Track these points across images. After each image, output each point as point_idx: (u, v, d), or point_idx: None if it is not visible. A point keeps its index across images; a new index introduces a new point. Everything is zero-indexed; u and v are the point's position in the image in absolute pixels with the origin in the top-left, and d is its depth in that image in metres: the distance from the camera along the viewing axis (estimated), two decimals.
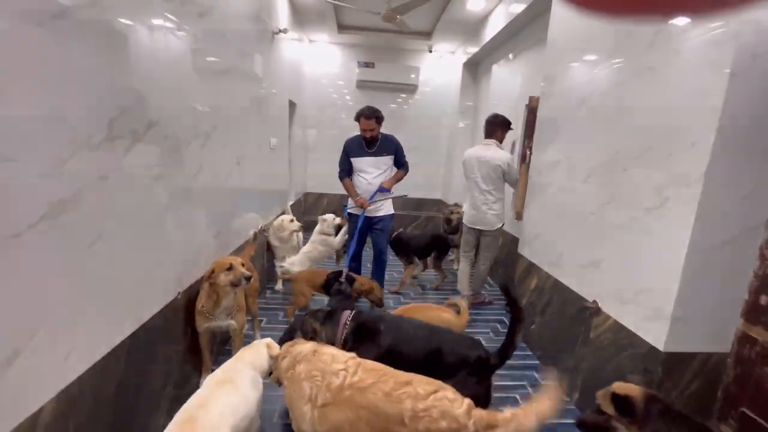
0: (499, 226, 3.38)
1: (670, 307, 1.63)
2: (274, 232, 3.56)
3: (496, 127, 3.33)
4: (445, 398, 1.29)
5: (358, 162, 3.31)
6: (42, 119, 1.04)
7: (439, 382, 1.38)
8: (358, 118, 3.19)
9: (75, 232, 1.17)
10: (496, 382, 2.42)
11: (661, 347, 1.67)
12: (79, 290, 1.20)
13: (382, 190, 3.31)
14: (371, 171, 3.29)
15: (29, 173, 1.01)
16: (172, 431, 1.25)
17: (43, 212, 1.04)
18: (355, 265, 3.48)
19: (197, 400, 1.37)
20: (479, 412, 1.27)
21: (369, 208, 3.31)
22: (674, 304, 1.62)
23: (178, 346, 1.92)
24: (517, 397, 2.31)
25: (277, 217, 3.69)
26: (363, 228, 3.34)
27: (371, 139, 3.23)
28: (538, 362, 2.69)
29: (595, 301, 2.11)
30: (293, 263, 3.36)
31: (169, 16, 1.67)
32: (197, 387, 2.09)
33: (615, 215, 2.00)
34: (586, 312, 2.15)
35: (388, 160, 3.33)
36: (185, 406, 1.35)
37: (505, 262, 3.92)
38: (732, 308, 1.63)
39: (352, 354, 1.55)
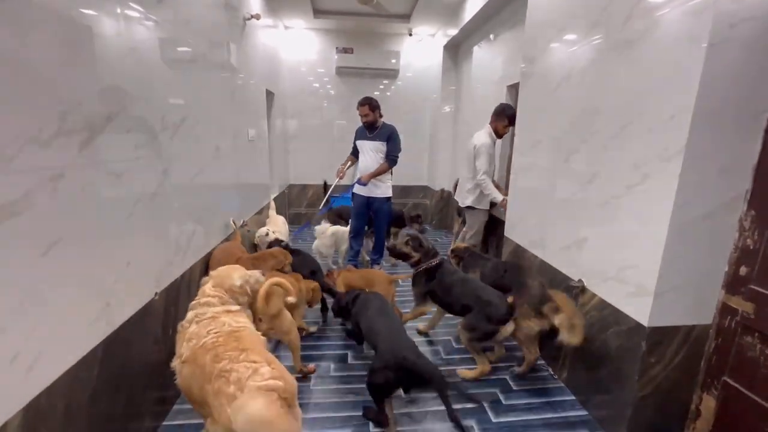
0: (470, 203, 3.60)
1: (653, 283, 1.64)
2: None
3: (494, 115, 3.48)
4: (253, 369, 1.25)
5: (360, 144, 3.88)
6: None
7: (271, 358, 1.35)
8: (357, 108, 3.73)
9: (28, 237, 1.09)
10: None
11: (645, 323, 1.68)
12: (37, 299, 1.12)
13: (360, 182, 3.78)
14: (369, 153, 3.81)
15: None
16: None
17: None
18: (358, 244, 4.00)
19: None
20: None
21: (360, 192, 3.86)
22: (657, 279, 1.62)
23: (160, 346, 1.86)
24: (507, 378, 2.33)
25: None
26: (358, 207, 3.88)
27: (370, 124, 3.75)
28: None
29: (580, 280, 2.12)
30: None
31: (126, 1, 1.56)
32: None
33: (597, 194, 2.00)
34: (572, 291, 2.17)
35: (381, 146, 3.78)
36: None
37: (495, 245, 3.92)
38: (713, 280, 1.64)
39: (247, 323, 1.57)
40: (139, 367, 1.68)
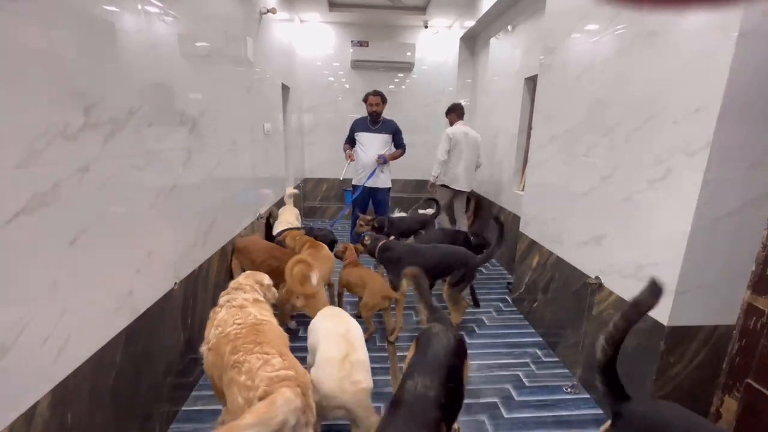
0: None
1: (674, 282, 1.59)
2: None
3: (453, 113, 4.10)
4: (264, 360, 1.28)
5: (360, 136, 3.95)
6: (11, 107, 0.99)
7: (284, 350, 1.38)
8: (366, 98, 3.87)
9: (57, 227, 1.13)
10: (498, 359, 2.44)
11: (665, 322, 1.64)
12: (66, 286, 1.17)
13: (382, 157, 3.89)
14: (373, 145, 3.90)
15: (3, 166, 0.97)
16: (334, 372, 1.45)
17: (20, 207, 1.01)
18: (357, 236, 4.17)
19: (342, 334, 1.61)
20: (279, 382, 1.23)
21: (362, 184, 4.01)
22: (678, 278, 1.58)
23: (179, 334, 1.92)
24: (520, 374, 2.31)
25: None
26: (361, 198, 4.05)
27: (376, 117, 3.87)
28: (540, 340, 2.69)
29: (597, 277, 2.08)
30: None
31: None
32: (201, 374, 2.12)
33: (617, 189, 1.94)
34: (588, 288, 2.13)
35: (387, 138, 3.93)
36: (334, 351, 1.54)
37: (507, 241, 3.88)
38: (738, 280, 1.58)
39: (270, 317, 1.63)
40: (159, 354, 1.74)
